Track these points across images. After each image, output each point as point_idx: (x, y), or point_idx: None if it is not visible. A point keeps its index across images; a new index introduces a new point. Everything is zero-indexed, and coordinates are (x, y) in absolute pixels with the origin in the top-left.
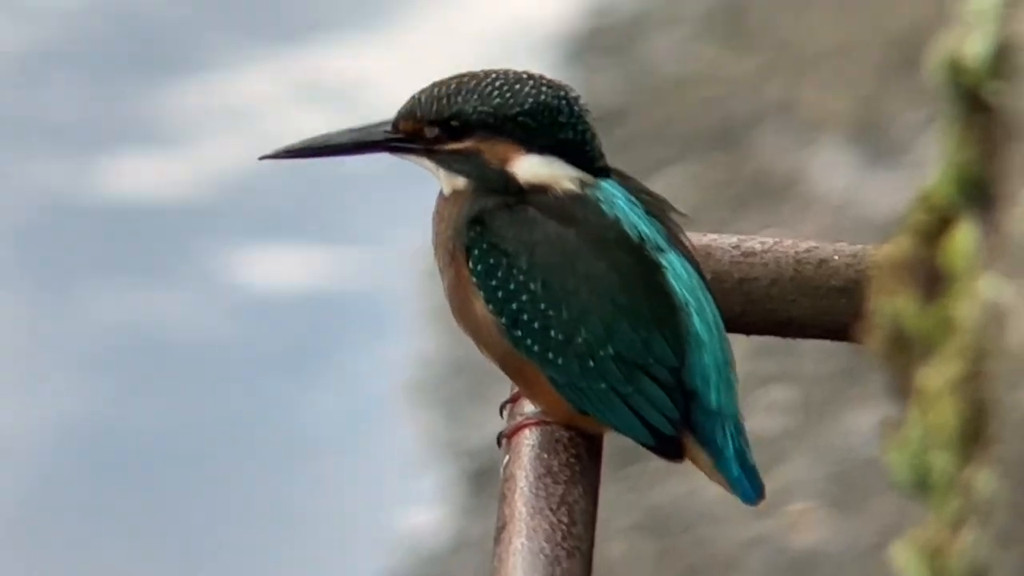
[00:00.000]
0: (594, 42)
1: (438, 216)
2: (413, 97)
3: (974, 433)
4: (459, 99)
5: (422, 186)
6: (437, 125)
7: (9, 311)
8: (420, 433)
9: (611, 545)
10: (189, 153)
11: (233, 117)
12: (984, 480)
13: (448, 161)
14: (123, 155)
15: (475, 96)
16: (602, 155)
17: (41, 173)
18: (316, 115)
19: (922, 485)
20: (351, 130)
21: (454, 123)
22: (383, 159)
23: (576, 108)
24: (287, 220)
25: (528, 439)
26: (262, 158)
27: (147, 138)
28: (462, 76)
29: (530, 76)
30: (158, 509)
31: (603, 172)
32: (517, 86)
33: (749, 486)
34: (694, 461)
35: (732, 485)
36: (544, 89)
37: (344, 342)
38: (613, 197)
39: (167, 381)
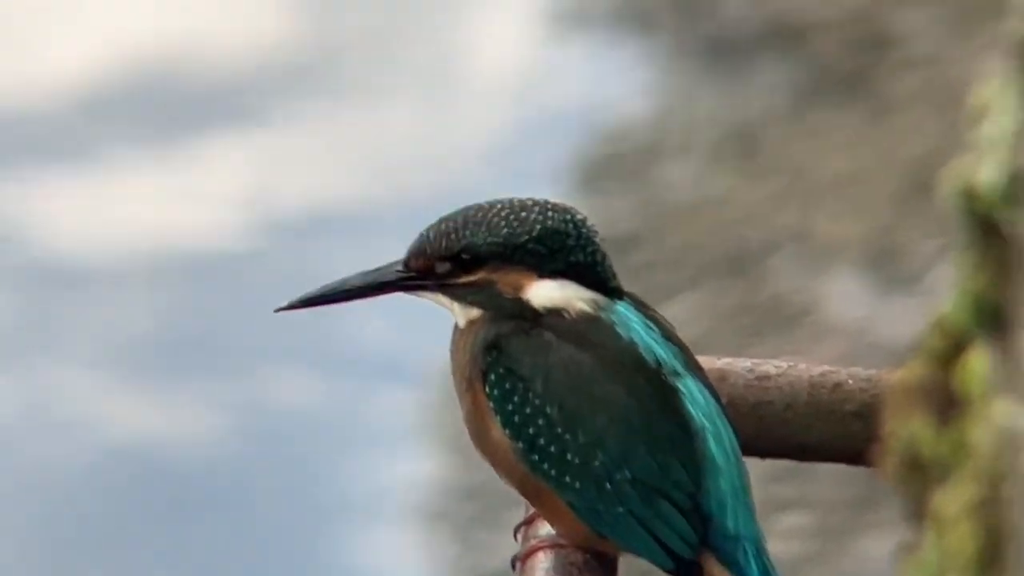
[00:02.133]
0: (608, 169)
1: (455, 347)
2: (421, 235)
3: (991, 558)
4: (467, 232)
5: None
6: (448, 260)
7: None
8: (434, 557)
9: None
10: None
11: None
12: None
13: (462, 294)
14: None
15: (483, 228)
16: (614, 276)
17: None
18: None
19: None
20: (364, 273)
21: (465, 256)
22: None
23: (584, 230)
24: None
25: (543, 562)
26: (278, 310)
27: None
28: (467, 209)
29: (535, 203)
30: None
31: (617, 293)
32: (523, 214)
33: None
34: None
35: None
36: (550, 214)
37: (357, 464)
38: (628, 320)
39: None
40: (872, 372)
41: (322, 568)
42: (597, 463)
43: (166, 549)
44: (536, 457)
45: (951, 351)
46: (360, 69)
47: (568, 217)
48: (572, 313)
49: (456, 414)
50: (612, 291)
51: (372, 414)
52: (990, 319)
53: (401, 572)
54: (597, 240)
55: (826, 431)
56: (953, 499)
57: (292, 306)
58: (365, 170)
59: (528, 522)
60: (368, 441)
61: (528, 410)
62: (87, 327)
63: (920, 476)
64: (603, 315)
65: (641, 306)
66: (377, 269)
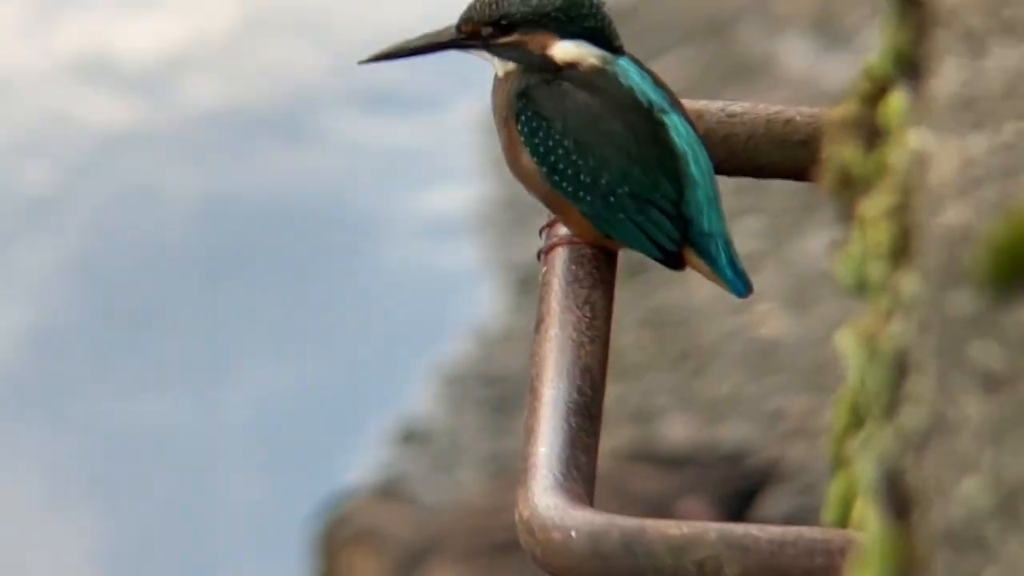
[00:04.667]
0: None
1: (495, 92)
2: (469, 5)
3: (902, 248)
4: (505, 4)
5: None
6: (490, 25)
7: None
8: (481, 251)
9: (623, 335)
10: None
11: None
12: (908, 283)
13: (500, 52)
14: None
15: (518, 0)
16: (618, 37)
17: None
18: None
19: (861, 288)
20: (425, 35)
21: (503, 22)
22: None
23: (595, 1)
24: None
25: (560, 255)
26: (361, 63)
27: None
28: None
29: None
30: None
31: (620, 51)
32: None
33: (741, 284)
34: (697, 269)
35: (728, 284)
36: None
37: (423, 186)
38: (627, 71)
39: None
40: (815, 110)
41: (382, 268)
42: (603, 181)
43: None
44: (556, 178)
45: (877, 93)
46: None
47: None
48: (585, 66)
49: (497, 145)
50: (616, 49)
51: (442, 150)
52: (907, 67)
53: (459, 262)
54: (605, 9)
55: (779, 155)
56: (874, 205)
57: (371, 59)
58: None
59: (550, 225)
60: (440, 173)
61: (550, 142)
62: None
63: (850, 189)
64: (608, 68)
65: (636, 62)
66: (436, 31)
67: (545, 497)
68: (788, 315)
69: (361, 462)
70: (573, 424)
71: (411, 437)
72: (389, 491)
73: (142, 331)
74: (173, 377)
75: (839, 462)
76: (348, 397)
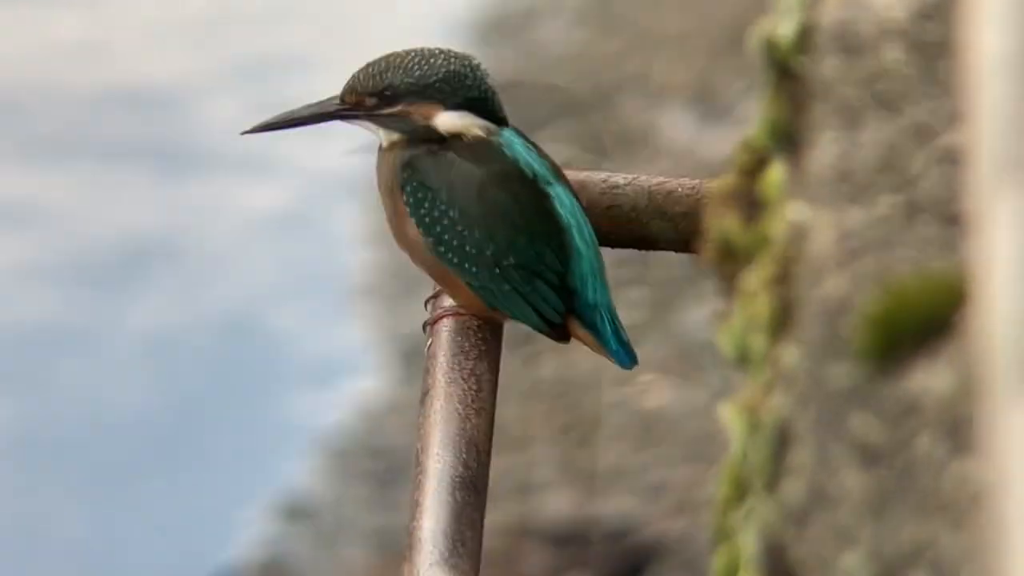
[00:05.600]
0: (496, 26)
1: (379, 163)
2: (353, 75)
3: (782, 320)
4: (389, 74)
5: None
6: (374, 96)
7: None
8: (367, 322)
9: (508, 407)
10: None
11: None
12: (789, 355)
13: (385, 122)
14: None
15: (401, 71)
16: (502, 108)
17: None
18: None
19: (743, 360)
20: (309, 106)
21: (387, 93)
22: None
23: (479, 73)
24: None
25: (446, 326)
26: (244, 133)
27: None
28: (389, 56)
29: (441, 51)
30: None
31: (504, 122)
32: (432, 59)
33: (626, 355)
34: (582, 341)
35: (613, 355)
36: (453, 60)
37: (307, 257)
38: (512, 142)
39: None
40: (696, 182)
41: (280, 339)
42: (488, 252)
43: None
44: (442, 248)
45: (755, 165)
46: None
47: (467, 62)
48: (470, 137)
49: (381, 217)
50: (500, 120)
51: (322, 219)
52: (785, 140)
53: (344, 333)
54: (488, 81)
55: (661, 227)
56: (755, 277)
57: (255, 129)
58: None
59: (436, 295)
60: (319, 238)
61: (436, 213)
62: None
63: (731, 260)
64: (493, 139)
65: (520, 133)
66: (319, 103)
67: (431, 573)
68: (672, 386)
69: (244, 539)
70: (459, 498)
71: (295, 513)
72: (273, 569)
73: None
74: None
75: (723, 535)
76: (230, 471)
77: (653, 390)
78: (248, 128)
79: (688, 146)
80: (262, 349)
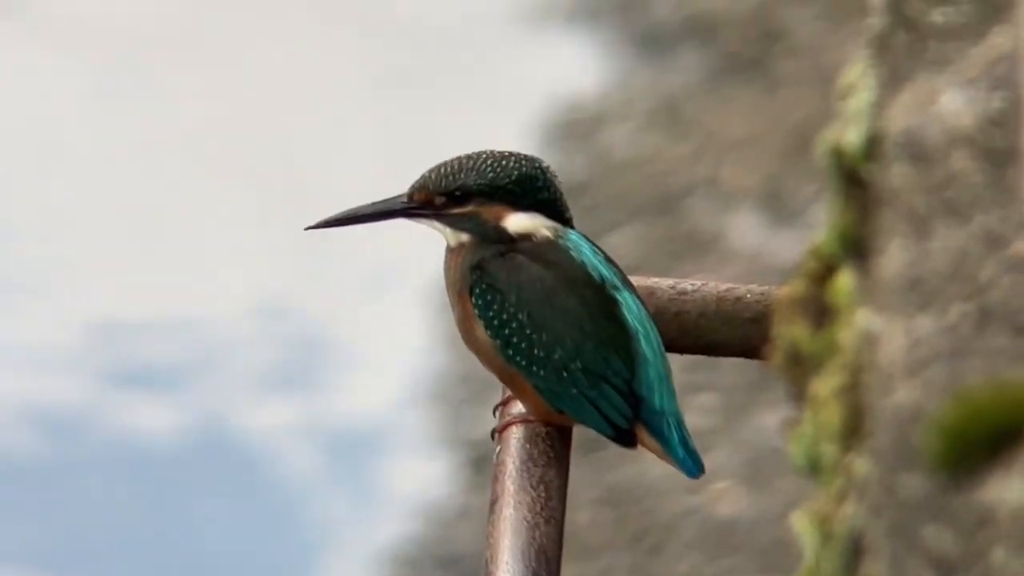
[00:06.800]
0: (566, 130)
1: (447, 265)
2: (424, 175)
3: (853, 429)
4: (462, 175)
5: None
6: (444, 195)
7: None
8: (435, 428)
9: (579, 514)
10: None
11: None
12: (860, 465)
13: (454, 222)
14: None
15: (474, 172)
16: (568, 210)
17: None
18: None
19: (814, 469)
20: (374, 203)
21: (458, 193)
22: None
23: (549, 175)
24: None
25: (515, 434)
26: (307, 228)
27: None
28: (461, 157)
29: (512, 154)
30: None
31: (569, 223)
32: (504, 162)
33: (692, 464)
34: (649, 449)
35: (679, 464)
36: (524, 163)
37: (369, 361)
38: (580, 245)
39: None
40: (765, 288)
41: (342, 437)
42: (557, 356)
43: None
44: (511, 351)
45: (824, 272)
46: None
47: (537, 165)
48: (538, 238)
49: (450, 319)
50: (567, 222)
51: (386, 323)
52: (853, 247)
53: (413, 440)
54: (558, 183)
55: (729, 333)
56: (825, 385)
57: (319, 226)
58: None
59: (504, 403)
60: (387, 342)
61: (504, 316)
62: None
63: (800, 367)
64: (561, 241)
65: (586, 238)
66: (385, 200)
67: None
68: (743, 494)
69: None
70: None
71: None
72: None
73: None
74: None
75: None
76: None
77: (725, 498)
78: (311, 224)
79: (757, 250)
80: (332, 453)
